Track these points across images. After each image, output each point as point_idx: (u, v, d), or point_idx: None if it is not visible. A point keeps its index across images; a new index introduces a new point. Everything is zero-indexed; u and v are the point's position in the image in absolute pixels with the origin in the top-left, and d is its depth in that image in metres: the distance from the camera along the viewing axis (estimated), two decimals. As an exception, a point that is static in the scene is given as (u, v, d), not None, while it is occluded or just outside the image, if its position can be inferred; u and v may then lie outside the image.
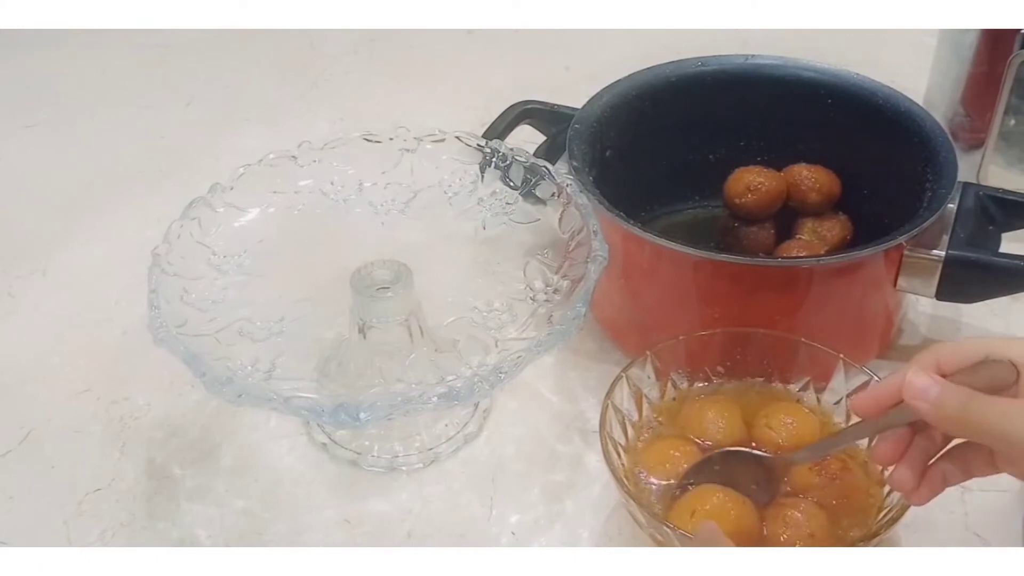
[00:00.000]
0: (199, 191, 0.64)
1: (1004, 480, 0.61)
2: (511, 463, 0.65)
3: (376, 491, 0.63)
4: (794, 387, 0.63)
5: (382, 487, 0.64)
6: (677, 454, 0.58)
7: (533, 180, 0.66)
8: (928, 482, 0.49)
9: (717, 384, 0.63)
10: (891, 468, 0.50)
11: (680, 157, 0.79)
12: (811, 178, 0.73)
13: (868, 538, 0.52)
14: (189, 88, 1.12)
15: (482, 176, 0.68)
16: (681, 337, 0.62)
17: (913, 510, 0.52)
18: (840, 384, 0.60)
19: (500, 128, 0.77)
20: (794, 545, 0.53)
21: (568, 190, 0.63)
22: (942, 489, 0.49)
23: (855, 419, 0.60)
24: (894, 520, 0.51)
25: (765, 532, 0.54)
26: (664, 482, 0.57)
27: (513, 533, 0.60)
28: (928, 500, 0.49)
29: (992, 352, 0.46)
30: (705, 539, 0.48)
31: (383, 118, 1.01)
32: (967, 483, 0.60)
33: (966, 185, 0.67)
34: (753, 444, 0.59)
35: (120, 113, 1.08)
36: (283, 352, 0.61)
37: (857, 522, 0.54)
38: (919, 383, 0.46)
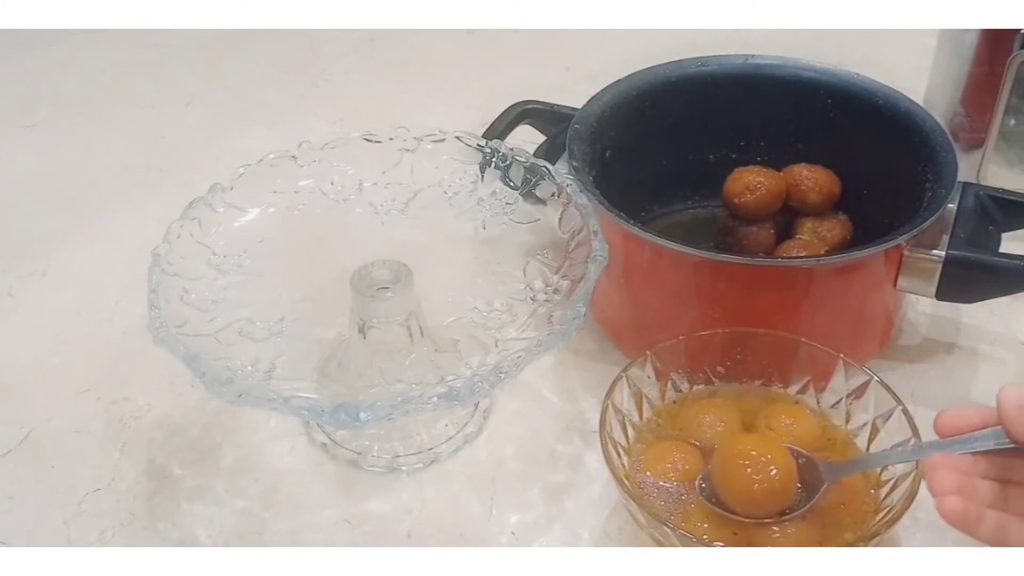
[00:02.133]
0: (199, 191, 0.64)
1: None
2: (511, 463, 0.65)
3: (376, 491, 0.63)
4: (794, 388, 0.63)
5: (382, 487, 0.64)
6: (678, 456, 0.58)
7: (533, 180, 0.66)
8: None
9: (716, 386, 0.63)
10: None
11: (680, 157, 0.79)
12: (811, 178, 0.73)
13: (867, 538, 0.52)
14: (189, 88, 1.12)
15: (482, 176, 0.68)
16: (681, 337, 0.62)
17: (912, 511, 0.51)
18: (840, 384, 0.60)
19: (500, 128, 0.77)
20: (788, 544, 0.53)
21: (568, 190, 0.63)
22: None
23: (854, 422, 0.60)
24: (893, 521, 0.51)
25: (759, 529, 0.54)
26: (665, 484, 0.57)
27: (513, 533, 0.60)
28: (946, 502, 0.46)
29: None
30: None
31: (383, 118, 1.01)
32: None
33: (966, 185, 0.67)
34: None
35: (120, 113, 1.08)
36: (283, 352, 0.61)
37: (854, 525, 0.54)
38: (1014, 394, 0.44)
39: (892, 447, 0.56)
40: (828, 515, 0.55)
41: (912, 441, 0.55)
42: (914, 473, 0.53)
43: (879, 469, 0.57)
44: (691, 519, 0.55)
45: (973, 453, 0.48)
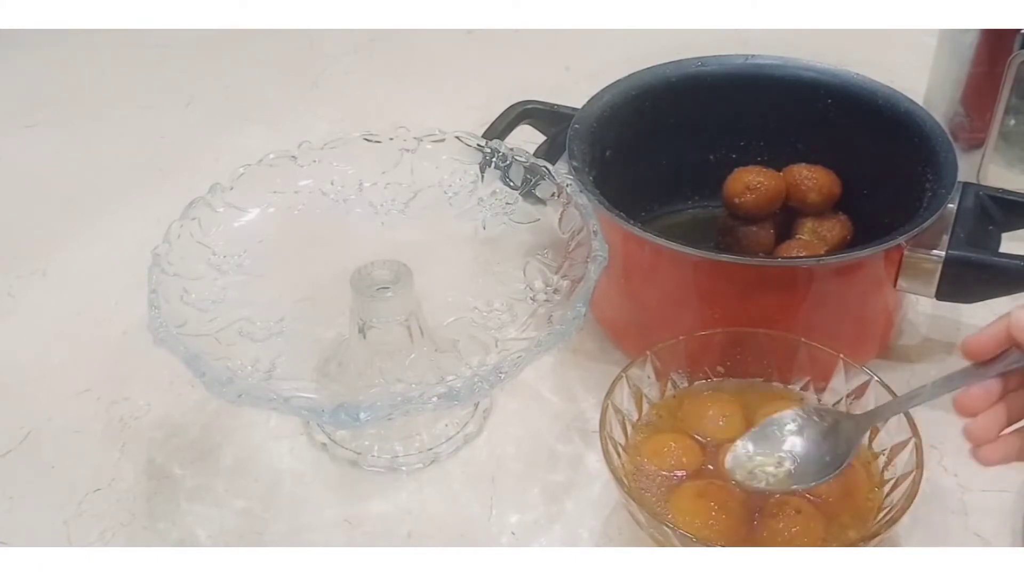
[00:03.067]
0: (199, 191, 0.64)
1: (1004, 480, 0.61)
2: (511, 463, 0.65)
3: (376, 491, 0.63)
4: (794, 387, 0.63)
5: (382, 487, 0.64)
6: (675, 447, 0.58)
7: (533, 180, 0.66)
8: (1004, 444, 0.48)
9: (717, 382, 0.63)
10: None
11: (680, 157, 0.79)
12: (811, 178, 0.73)
13: (867, 538, 0.52)
14: (189, 88, 1.12)
15: (482, 176, 0.68)
16: (681, 337, 0.62)
17: (913, 511, 0.52)
18: (840, 384, 0.60)
19: (500, 128, 0.77)
20: (790, 542, 0.53)
21: (568, 190, 0.63)
22: (1016, 458, 0.48)
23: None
24: (893, 521, 0.51)
25: (761, 527, 0.54)
26: (664, 474, 0.57)
27: (513, 533, 0.60)
28: (996, 462, 0.48)
29: None
30: None
31: (383, 118, 1.01)
32: (967, 483, 0.61)
33: (966, 185, 0.67)
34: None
35: (120, 113, 1.08)
36: (283, 352, 0.61)
37: (856, 522, 0.54)
38: None
39: (893, 447, 0.56)
40: (832, 511, 0.55)
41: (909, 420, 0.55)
42: (914, 473, 0.53)
43: (881, 468, 0.57)
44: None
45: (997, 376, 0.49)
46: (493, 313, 0.65)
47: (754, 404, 0.61)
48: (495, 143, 0.68)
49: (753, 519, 0.54)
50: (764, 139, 0.78)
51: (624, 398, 0.60)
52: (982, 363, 0.49)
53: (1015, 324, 0.47)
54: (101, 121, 1.07)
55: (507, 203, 0.67)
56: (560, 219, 0.64)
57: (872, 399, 0.59)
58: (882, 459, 0.57)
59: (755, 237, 0.74)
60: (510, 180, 0.67)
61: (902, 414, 0.56)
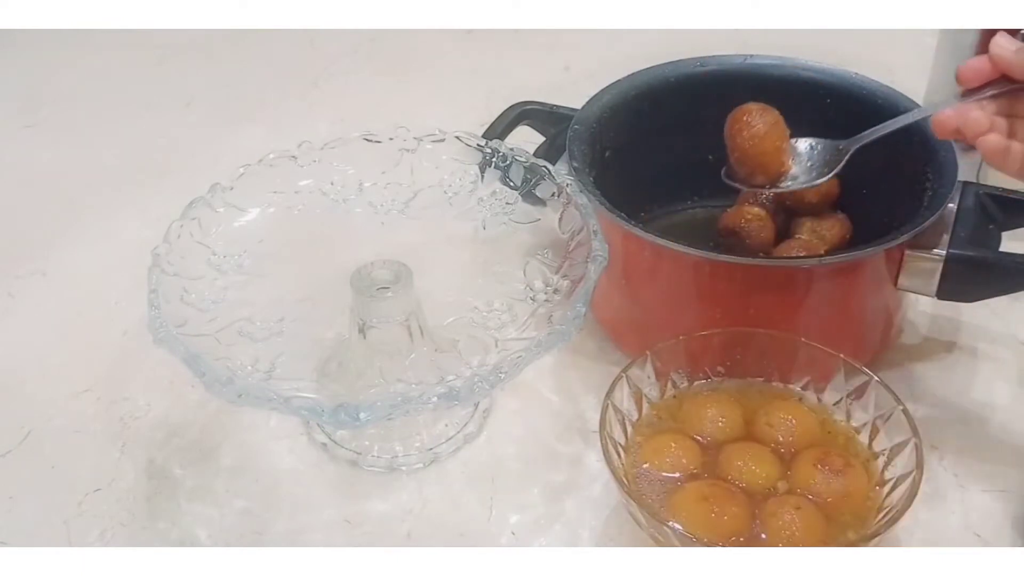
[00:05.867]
0: (199, 191, 0.64)
1: (1004, 480, 0.61)
2: (511, 463, 0.65)
3: (376, 491, 0.63)
4: (794, 387, 0.63)
5: (382, 487, 0.64)
6: (675, 448, 0.58)
7: (533, 180, 0.66)
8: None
9: (717, 382, 0.63)
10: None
11: (680, 157, 0.79)
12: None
13: (867, 538, 0.52)
14: (189, 88, 1.12)
15: (482, 176, 0.68)
16: (681, 337, 0.62)
17: (912, 511, 0.52)
18: (840, 384, 0.60)
19: (500, 128, 0.77)
20: (790, 542, 0.53)
21: (568, 190, 0.63)
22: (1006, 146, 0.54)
23: (855, 421, 0.60)
24: (893, 521, 0.51)
25: (762, 527, 0.54)
26: (664, 474, 0.57)
27: (513, 533, 0.60)
28: (988, 141, 0.54)
29: None
30: None
31: (383, 118, 1.00)
32: (967, 483, 0.61)
33: (966, 185, 0.67)
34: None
35: (120, 113, 1.08)
36: (283, 352, 0.61)
37: (856, 522, 0.54)
38: (1006, 42, 0.54)
39: (893, 447, 0.56)
40: (832, 511, 0.55)
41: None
42: (914, 473, 0.53)
43: (881, 468, 0.57)
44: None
45: (979, 101, 0.55)
46: (493, 313, 0.65)
47: (754, 404, 0.61)
48: (495, 143, 0.68)
49: (753, 519, 0.54)
50: (764, 139, 0.78)
51: (624, 398, 0.60)
52: (969, 90, 0.56)
53: (994, 54, 0.54)
54: (101, 121, 1.07)
55: (507, 203, 0.67)
56: (560, 219, 0.64)
57: (872, 399, 0.59)
58: (882, 459, 0.57)
59: (756, 237, 0.74)
60: (510, 180, 0.67)
61: (902, 413, 0.56)
